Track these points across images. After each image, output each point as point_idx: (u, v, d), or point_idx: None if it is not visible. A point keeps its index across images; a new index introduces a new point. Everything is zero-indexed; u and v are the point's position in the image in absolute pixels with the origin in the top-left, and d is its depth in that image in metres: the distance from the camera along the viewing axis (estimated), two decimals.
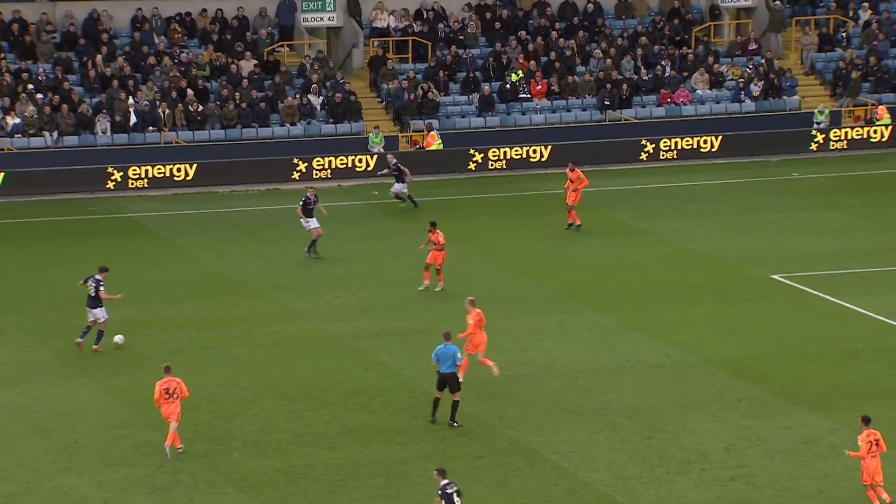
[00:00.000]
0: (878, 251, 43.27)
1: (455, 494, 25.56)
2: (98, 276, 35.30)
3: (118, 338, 35.39)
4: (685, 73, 58.19)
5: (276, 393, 33.03)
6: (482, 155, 53.52)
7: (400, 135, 54.93)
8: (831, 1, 61.89)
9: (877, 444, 27.24)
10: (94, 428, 31.09)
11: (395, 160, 48.73)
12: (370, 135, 53.91)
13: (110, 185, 50.89)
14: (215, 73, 55.82)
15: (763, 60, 58.58)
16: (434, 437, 30.62)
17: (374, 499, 27.95)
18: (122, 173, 50.96)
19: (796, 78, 58.86)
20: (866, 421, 27.39)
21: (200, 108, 54.01)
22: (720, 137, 55.06)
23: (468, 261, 42.68)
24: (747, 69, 58.39)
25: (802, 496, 27.88)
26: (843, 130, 55.85)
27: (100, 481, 28.61)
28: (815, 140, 55.36)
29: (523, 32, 58.86)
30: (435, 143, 53.79)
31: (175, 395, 29.69)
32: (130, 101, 53.47)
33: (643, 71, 57.81)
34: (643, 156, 54.38)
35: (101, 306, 35.10)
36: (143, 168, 51.10)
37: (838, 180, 52.03)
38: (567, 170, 46.21)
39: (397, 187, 48.37)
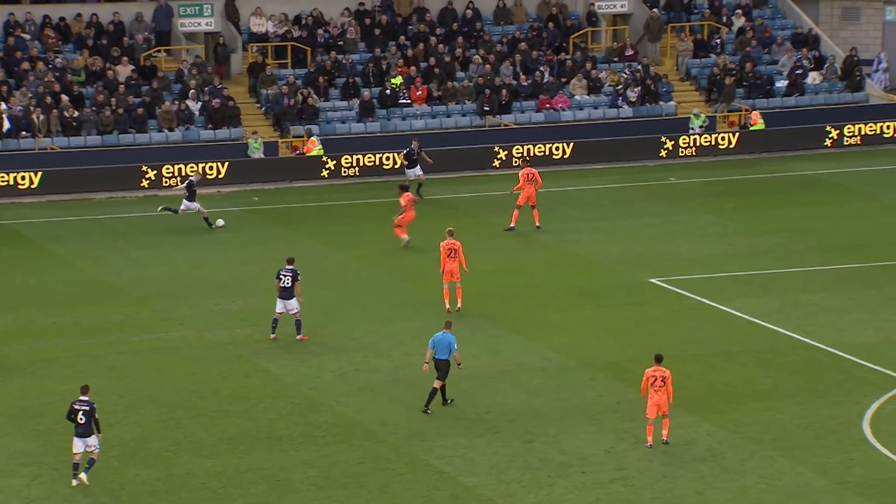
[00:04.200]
0: (752, 254, 43.93)
1: (81, 413, 27.82)
2: (290, 267, 36.01)
3: (220, 222, 45.11)
4: (563, 79, 58.64)
5: (155, 401, 32.71)
6: (334, 162, 53.09)
7: (280, 140, 54.73)
8: (705, 7, 62.76)
9: (662, 381, 29.58)
10: None
11: (192, 177, 46.87)
12: (249, 140, 53.66)
13: None
14: (91, 79, 55.17)
15: (640, 66, 59.23)
16: (316, 443, 30.54)
17: None
18: None
19: (672, 84, 59.60)
20: (657, 359, 29.94)
21: (76, 113, 53.34)
22: (598, 142, 55.51)
23: (349, 266, 42.62)
24: (624, 75, 58.99)
25: (680, 497, 28.21)
26: (691, 137, 56.62)
27: None
28: (684, 146, 56.04)
29: (403, 38, 58.94)
30: (315, 148, 53.67)
31: None
32: (3, 106, 52.64)
33: (522, 77, 58.16)
34: (517, 161, 54.52)
35: (293, 297, 35.83)
36: (12, 175, 50.31)
37: (713, 185, 52.74)
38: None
39: (193, 205, 46.10)
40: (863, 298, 39.51)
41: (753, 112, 57.82)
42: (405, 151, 50.29)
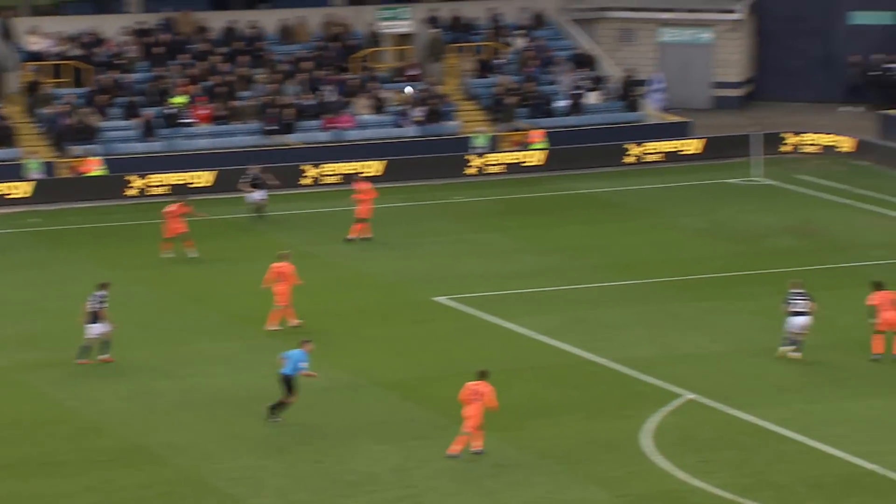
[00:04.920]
0: (536, 272, 44.55)
1: None
2: (98, 293, 35.25)
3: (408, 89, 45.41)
4: (348, 99, 58.73)
5: None
6: (143, 181, 52.70)
7: (58, 160, 53.65)
8: (488, 28, 63.54)
9: (479, 397, 30.41)
10: None
11: None
12: (26, 161, 52.52)
13: None
14: None
15: (424, 86, 59.63)
16: (98, 468, 29.95)
17: None
18: None
19: (455, 103, 60.17)
20: (480, 375, 30.75)
21: None
22: (384, 162, 55.74)
23: (132, 288, 41.95)
24: (408, 92, 59.30)
25: None
26: (498, 155, 57.32)
27: None
28: (471, 164, 56.61)
29: (185, 57, 58.35)
30: (95, 168, 52.79)
31: None
32: None
33: (307, 96, 58.08)
34: (307, 180, 54.59)
35: (96, 322, 35.14)
36: None
37: (497, 203, 53.36)
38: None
39: None
40: (642, 314, 40.37)
41: (534, 131, 58.69)
42: (249, 177, 49.56)
